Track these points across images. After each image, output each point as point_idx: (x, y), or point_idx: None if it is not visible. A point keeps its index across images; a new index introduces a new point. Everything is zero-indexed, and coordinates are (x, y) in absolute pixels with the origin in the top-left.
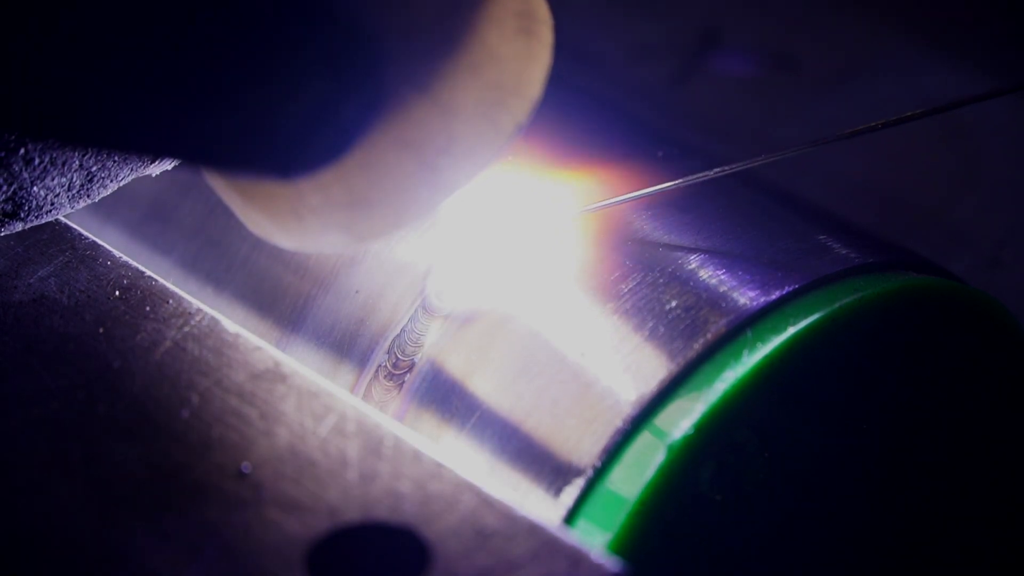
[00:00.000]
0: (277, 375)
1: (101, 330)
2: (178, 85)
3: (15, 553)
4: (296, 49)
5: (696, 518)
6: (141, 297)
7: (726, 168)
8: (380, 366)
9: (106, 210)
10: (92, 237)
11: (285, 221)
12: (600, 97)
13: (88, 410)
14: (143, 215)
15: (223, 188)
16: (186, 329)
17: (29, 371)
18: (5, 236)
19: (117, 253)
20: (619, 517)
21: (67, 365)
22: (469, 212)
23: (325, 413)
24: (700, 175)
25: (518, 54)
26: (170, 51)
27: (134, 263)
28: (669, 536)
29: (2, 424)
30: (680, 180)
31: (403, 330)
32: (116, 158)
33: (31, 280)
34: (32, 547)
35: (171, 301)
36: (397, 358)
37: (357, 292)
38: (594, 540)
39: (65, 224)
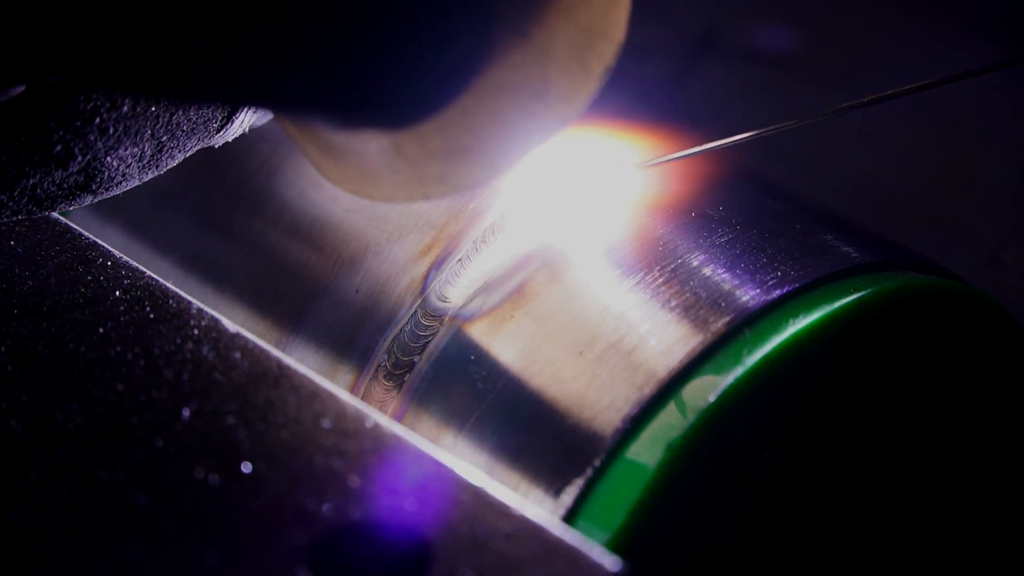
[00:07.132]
0: (277, 375)
1: (101, 330)
2: (301, 34)
3: (12, 557)
4: None
5: (696, 518)
6: (141, 297)
7: (771, 128)
8: (380, 366)
9: (106, 210)
10: (92, 237)
11: (378, 174)
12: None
13: (87, 411)
14: (144, 214)
15: (308, 143)
16: (186, 329)
17: (27, 372)
18: (4, 236)
19: (117, 253)
20: (619, 517)
21: (66, 366)
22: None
23: (325, 413)
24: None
25: None
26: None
27: (134, 263)
28: (669, 536)
29: None
30: (732, 139)
31: (403, 330)
32: (185, 127)
33: (31, 280)
34: (30, 551)
35: (171, 301)
36: (397, 358)
37: (357, 292)
38: (594, 540)
39: (65, 224)
